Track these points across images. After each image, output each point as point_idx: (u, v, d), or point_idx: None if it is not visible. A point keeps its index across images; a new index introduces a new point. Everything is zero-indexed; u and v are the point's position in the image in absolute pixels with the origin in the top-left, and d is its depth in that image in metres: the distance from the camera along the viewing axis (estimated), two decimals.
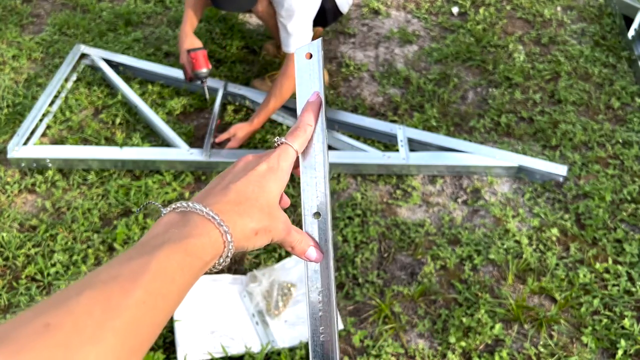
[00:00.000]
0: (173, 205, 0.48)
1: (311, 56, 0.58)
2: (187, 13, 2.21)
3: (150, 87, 2.46)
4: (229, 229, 0.47)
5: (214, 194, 0.50)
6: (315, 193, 0.56)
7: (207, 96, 2.29)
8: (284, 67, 2.10)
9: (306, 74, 0.58)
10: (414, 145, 2.18)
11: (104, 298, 0.37)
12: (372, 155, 2.11)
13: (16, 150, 2.13)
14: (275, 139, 0.55)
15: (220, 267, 0.49)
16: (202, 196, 0.51)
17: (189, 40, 2.18)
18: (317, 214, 0.56)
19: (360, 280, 1.80)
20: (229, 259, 0.49)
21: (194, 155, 2.11)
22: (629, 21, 2.72)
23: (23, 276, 1.82)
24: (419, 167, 2.10)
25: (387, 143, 2.22)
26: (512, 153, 2.13)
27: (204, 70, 2.17)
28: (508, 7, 2.97)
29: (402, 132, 2.19)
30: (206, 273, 0.48)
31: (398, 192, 2.06)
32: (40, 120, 2.29)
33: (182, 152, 2.12)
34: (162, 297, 0.41)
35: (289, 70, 2.08)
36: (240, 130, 2.17)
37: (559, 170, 2.07)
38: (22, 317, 0.35)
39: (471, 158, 2.11)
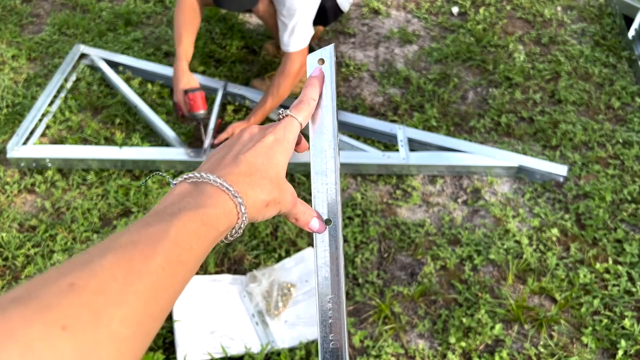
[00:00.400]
0: (185, 176, 0.49)
1: (324, 62, 0.58)
2: (180, 48, 2.10)
3: (150, 86, 2.46)
4: (243, 201, 0.48)
5: (224, 164, 0.50)
6: (326, 199, 0.56)
7: (204, 137, 2.16)
8: (281, 66, 2.10)
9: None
10: (414, 145, 2.18)
11: (126, 262, 0.37)
12: (372, 155, 2.11)
13: (16, 150, 2.12)
14: (280, 111, 0.55)
15: (232, 239, 0.50)
16: (212, 166, 0.51)
17: (186, 78, 2.08)
18: (328, 221, 0.56)
19: (360, 280, 1.80)
20: (241, 231, 0.49)
21: (194, 155, 2.11)
22: (629, 21, 2.72)
23: (23, 276, 1.82)
24: (419, 167, 2.10)
25: (387, 143, 2.22)
26: (512, 153, 2.13)
27: (201, 112, 2.09)
28: (508, 7, 2.96)
29: (402, 132, 2.19)
30: (220, 243, 0.49)
31: (398, 192, 2.06)
32: (40, 120, 2.29)
33: (181, 152, 2.12)
34: (181, 265, 0.41)
35: (287, 69, 2.08)
36: (238, 129, 2.17)
37: (559, 170, 2.06)
38: (46, 276, 0.35)
39: (471, 158, 2.10)
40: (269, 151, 0.52)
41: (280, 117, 0.55)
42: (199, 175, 0.48)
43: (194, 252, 0.43)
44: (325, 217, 0.56)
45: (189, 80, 2.09)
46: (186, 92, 2.07)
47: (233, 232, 0.49)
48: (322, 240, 0.56)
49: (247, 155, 0.51)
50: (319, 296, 0.56)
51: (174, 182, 0.49)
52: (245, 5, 2.13)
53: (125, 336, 0.34)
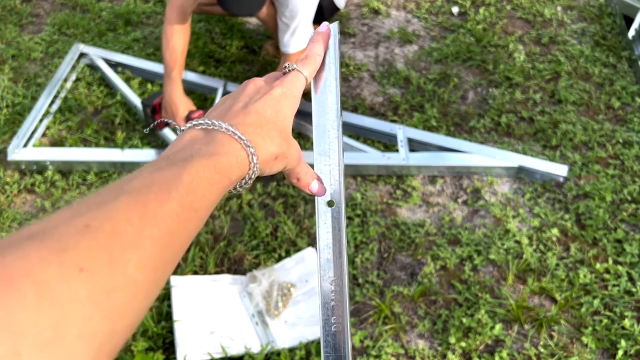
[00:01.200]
0: (194, 122, 0.47)
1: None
2: (175, 72, 2.02)
3: (150, 86, 2.46)
4: (255, 151, 0.47)
5: (234, 113, 0.49)
6: (329, 181, 0.55)
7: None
8: (280, 67, 2.10)
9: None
10: (414, 145, 2.18)
11: (141, 206, 0.37)
12: (372, 156, 2.11)
13: (16, 152, 2.12)
14: (286, 65, 0.54)
15: (241, 190, 0.49)
16: (220, 114, 0.50)
17: (185, 104, 2.04)
18: (330, 202, 0.55)
19: (360, 280, 1.80)
20: (251, 182, 0.49)
21: None
22: (629, 21, 2.72)
23: None
24: (418, 167, 2.10)
25: (387, 143, 2.22)
26: (512, 153, 2.13)
27: None
28: (508, 7, 2.96)
29: (402, 132, 2.19)
30: (227, 194, 0.48)
31: (398, 192, 2.06)
32: (40, 121, 2.29)
33: None
34: (194, 211, 0.40)
35: None
36: None
37: (560, 170, 2.06)
38: (60, 216, 0.34)
39: (471, 158, 2.10)
40: (277, 104, 0.51)
41: (287, 70, 0.54)
42: (209, 122, 0.47)
43: (206, 200, 0.42)
44: (328, 198, 0.55)
45: (188, 105, 2.06)
46: (191, 119, 2.03)
47: (243, 182, 0.48)
48: (324, 222, 0.55)
49: (256, 106, 0.50)
50: (320, 278, 0.56)
51: (182, 128, 0.48)
52: (253, 10, 2.10)
53: (140, 281, 0.34)
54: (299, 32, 2.02)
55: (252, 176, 0.48)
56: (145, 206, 0.37)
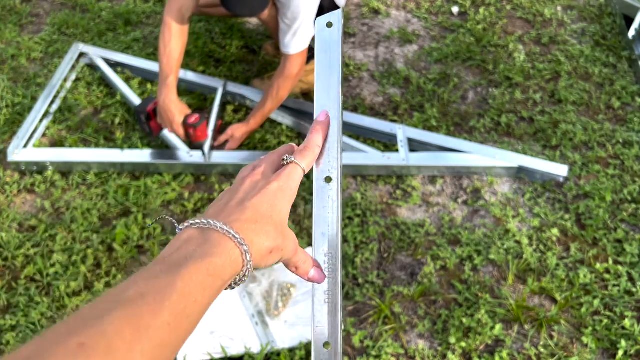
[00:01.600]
0: (191, 221, 0.48)
1: (332, 25, 0.57)
2: (171, 79, 2.00)
3: (149, 86, 2.46)
4: (249, 248, 0.47)
5: (230, 210, 0.50)
6: (329, 161, 0.56)
7: (207, 159, 2.11)
8: (280, 68, 2.09)
9: (326, 44, 0.57)
10: (414, 145, 2.18)
11: (135, 318, 0.38)
12: (372, 156, 2.11)
13: (16, 153, 2.12)
14: (285, 157, 0.55)
15: (235, 287, 0.50)
16: (217, 212, 0.50)
17: (180, 110, 2.03)
18: (328, 178, 0.56)
19: (360, 280, 1.80)
20: (246, 278, 0.49)
21: (194, 157, 2.10)
22: (629, 21, 2.72)
23: (22, 276, 1.82)
24: (418, 167, 2.09)
25: (387, 143, 2.21)
26: (512, 153, 2.12)
27: (208, 140, 2.10)
28: (508, 7, 2.96)
29: (402, 132, 2.19)
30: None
31: (398, 192, 2.06)
32: (40, 121, 2.28)
33: (182, 154, 2.12)
34: (186, 317, 0.42)
35: (286, 71, 2.07)
36: (237, 131, 2.16)
37: (560, 170, 2.06)
38: (55, 334, 0.35)
39: (471, 158, 2.10)
40: (273, 198, 0.51)
41: (285, 163, 0.55)
42: (205, 222, 0.48)
43: (198, 304, 0.43)
44: (326, 175, 0.56)
45: (183, 109, 2.04)
46: (189, 124, 2.02)
47: (237, 279, 0.49)
48: (321, 199, 0.56)
49: (253, 202, 0.50)
50: (315, 252, 0.56)
51: (180, 227, 0.49)
52: (255, 11, 2.08)
53: None
54: (300, 34, 2.01)
55: (247, 273, 0.48)
56: (139, 319, 0.38)
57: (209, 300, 0.45)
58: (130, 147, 2.18)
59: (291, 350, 1.63)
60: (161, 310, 0.39)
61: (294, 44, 2.03)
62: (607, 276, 1.80)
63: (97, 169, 2.12)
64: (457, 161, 2.09)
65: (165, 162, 2.10)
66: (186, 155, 2.11)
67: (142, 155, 2.12)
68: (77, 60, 2.55)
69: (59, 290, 1.77)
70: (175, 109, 2.03)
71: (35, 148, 2.17)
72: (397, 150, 2.14)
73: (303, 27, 2.01)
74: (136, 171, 2.12)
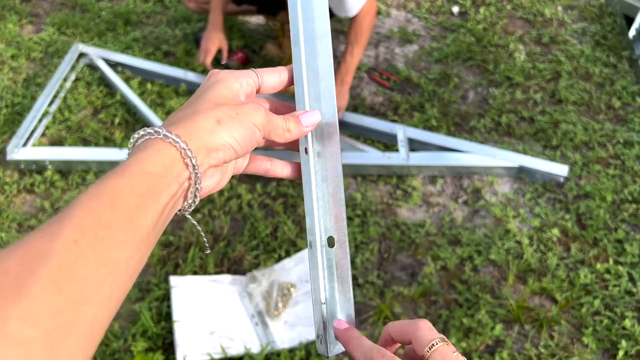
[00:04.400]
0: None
1: None
2: (219, 6, 2.21)
3: (149, 86, 2.46)
4: (170, 132, 0.39)
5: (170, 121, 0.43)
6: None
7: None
8: (354, 31, 2.04)
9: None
10: (414, 145, 2.18)
11: (23, 250, 0.30)
12: (372, 156, 2.11)
13: (15, 152, 2.12)
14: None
15: (197, 184, 0.40)
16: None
17: (217, 40, 2.21)
18: (330, 239, 0.52)
19: (360, 280, 1.80)
20: (199, 174, 0.40)
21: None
22: (629, 21, 2.72)
23: None
24: (419, 167, 2.09)
25: (387, 143, 2.21)
26: (512, 153, 2.12)
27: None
28: (508, 7, 2.96)
29: (402, 132, 2.18)
30: (180, 211, 0.41)
31: (398, 192, 2.05)
32: (40, 120, 2.28)
33: None
34: (103, 228, 0.34)
35: (364, 26, 2.02)
36: (342, 99, 2.15)
37: (560, 170, 2.06)
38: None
39: (472, 158, 2.10)
40: (204, 91, 0.44)
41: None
42: (130, 146, 0.41)
43: (117, 210, 0.35)
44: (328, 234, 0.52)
45: (219, 42, 2.21)
46: (224, 63, 2.23)
47: (191, 178, 0.39)
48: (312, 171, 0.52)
49: (181, 110, 0.43)
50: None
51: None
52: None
53: (31, 337, 0.28)
54: None
55: (195, 165, 0.39)
56: (32, 246, 0.31)
57: (136, 200, 0.36)
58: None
59: (291, 350, 1.63)
60: (60, 230, 0.32)
61: (352, 2, 1.96)
62: (607, 276, 1.80)
63: (97, 168, 2.12)
64: (457, 161, 2.09)
65: None
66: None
67: None
68: (77, 60, 2.55)
69: None
70: (213, 37, 2.12)
71: (34, 147, 2.17)
72: (397, 150, 2.14)
73: None
74: None
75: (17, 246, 0.31)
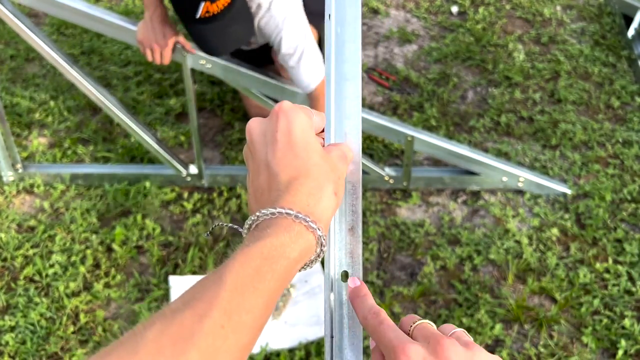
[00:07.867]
0: (246, 225, 0.45)
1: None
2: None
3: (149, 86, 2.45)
4: (308, 216, 0.42)
5: (266, 191, 0.45)
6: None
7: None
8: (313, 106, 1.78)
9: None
10: (417, 151, 2.15)
11: (175, 329, 0.33)
12: (372, 179, 2.07)
13: (10, 175, 2.06)
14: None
15: (319, 259, 0.44)
16: (256, 199, 0.46)
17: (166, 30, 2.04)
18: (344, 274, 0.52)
19: None
20: (325, 247, 0.44)
21: (192, 179, 2.04)
22: (628, 20, 2.72)
23: (21, 277, 1.81)
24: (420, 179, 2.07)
25: (388, 142, 2.21)
26: (517, 169, 2.03)
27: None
28: (507, 7, 2.96)
29: (410, 146, 2.14)
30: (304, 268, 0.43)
31: (397, 192, 2.05)
32: (39, 121, 2.28)
33: (179, 176, 2.04)
34: (247, 313, 0.36)
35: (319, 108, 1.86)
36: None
37: (563, 189, 2.03)
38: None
39: (478, 180, 2.04)
40: (289, 137, 0.46)
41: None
42: (254, 218, 0.43)
43: (260, 293, 0.37)
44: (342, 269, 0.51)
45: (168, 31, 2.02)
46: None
47: (318, 251, 0.43)
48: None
49: (275, 161, 0.44)
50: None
51: (242, 229, 0.45)
52: (241, 41, 1.83)
53: None
54: (307, 62, 1.75)
55: (322, 240, 0.43)
56: (180, 327, 0.33)
57: (275, 285, 0.39)
58: (127, 153, 2.17)
59: (291, 350, 1.63)
60: (209, 312, 0.34)
61: (310, 76, 1.76)
62: (606, 276, 1.80)
63: (91, 182, 2.08)
64: (461, 183, 2.06)
65: (161, 178, 2.06)
66: (183, 173, 2.04)
67: (138, 169, 2.09)
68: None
69: (58, 291, 1.76)
70: (166, 31, 1.99)
71: (29, 165, 2.09)
72: (399, 166, 2.12)
73: (307, 54, 1.76)
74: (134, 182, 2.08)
75: (169, 323, 0.33)
